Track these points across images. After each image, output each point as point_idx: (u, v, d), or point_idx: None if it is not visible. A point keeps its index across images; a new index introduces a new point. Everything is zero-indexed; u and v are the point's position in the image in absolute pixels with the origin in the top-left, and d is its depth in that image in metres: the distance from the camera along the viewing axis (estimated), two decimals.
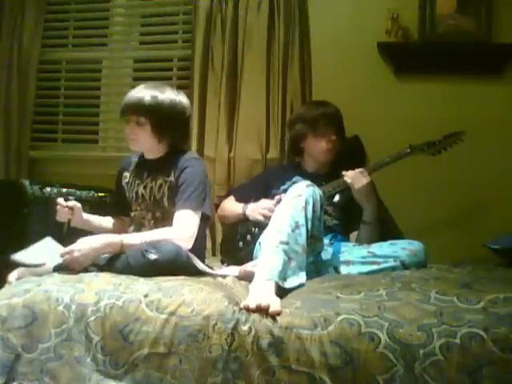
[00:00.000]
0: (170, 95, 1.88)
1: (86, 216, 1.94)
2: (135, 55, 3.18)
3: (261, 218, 2.10)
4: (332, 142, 2.22)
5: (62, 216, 1.85)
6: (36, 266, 1.69)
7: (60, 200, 1.86)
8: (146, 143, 1.90)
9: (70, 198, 1.87)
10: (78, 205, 1.88)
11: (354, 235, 2.16)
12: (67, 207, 1.85)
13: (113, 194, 2.17)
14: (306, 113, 2.28)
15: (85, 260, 1.62)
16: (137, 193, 1.94)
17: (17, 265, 1.70)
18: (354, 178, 2.07)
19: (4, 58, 3.06)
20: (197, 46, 2.80)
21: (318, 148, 2.24)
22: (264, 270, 1.46)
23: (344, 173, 2.10)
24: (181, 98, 1.92)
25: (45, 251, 1.77)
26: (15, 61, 3.05)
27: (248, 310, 1.30)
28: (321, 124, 2.22)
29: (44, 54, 3.16)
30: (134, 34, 3.20)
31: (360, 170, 2.09)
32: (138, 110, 1.84)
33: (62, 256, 1.62)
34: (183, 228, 1.75)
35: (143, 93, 1.86)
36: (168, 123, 1.87)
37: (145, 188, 1.92)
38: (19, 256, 1.73)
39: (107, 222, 2.04)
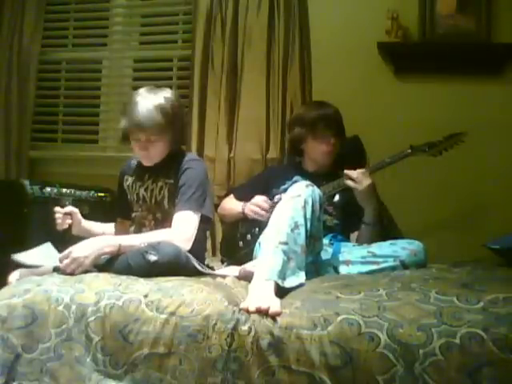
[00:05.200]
0: (171, 100, 1.84)
1: (88, 223, 1.93)
2: (135, 55, 3.18)
3: (252, 215, 2.10)
4: (331, 145, 2.21)
5: (61, 223, 1.85)
6: (36, 266, 1.69)
7: (57, 208, 1.86)
8: (159, 156, 1.88)
9: (67, 203, 1.88)
10: (75, 209, 1.88)
11: (354, 235, 2.15)
12: (65, 213, 1.85)
13: (115, 198, 2.17)
14: (304, 115, 2.25)
15: (85, 260, 1.61)
16: (138, 194, 1.94)
17: (17, 265, 1.71)
18: (355, 178, 2.06)
19: (4, 58, 3.06)
20: (197, 46, 2.80)
21: (317, 150, 2.23)
22: (263, 270, 1.46)
23: (346, 172, 2.08)
24: (179, 100, 1.90)
25: (45, 256, 1.77)
26: (15, 61, 3.05)
27: (248, 312, 1.30)
28: (320, 127, 2.19)
29: (44, 54, 3.16)
30: (134, 34, 3.21)
31: (361, 170, 2.07)
32: (150, 129, 1.79)
33: (60, 261, 1.62)
34: (182, 229, 1.76)
35: (151, 110, 1.78)
36: (179, 130, 1.90)
37: (146, 190, 1.92)
38: (20, 257, 1.73)
39: (109, 228, 2.03)
